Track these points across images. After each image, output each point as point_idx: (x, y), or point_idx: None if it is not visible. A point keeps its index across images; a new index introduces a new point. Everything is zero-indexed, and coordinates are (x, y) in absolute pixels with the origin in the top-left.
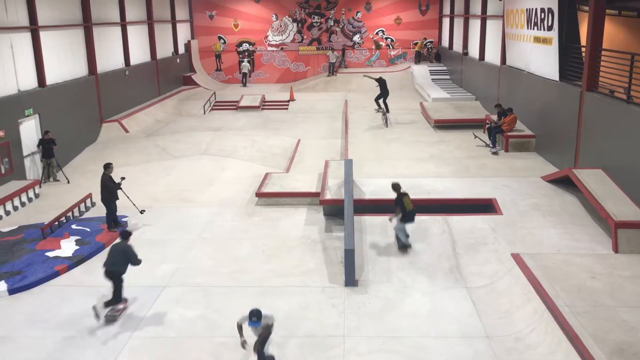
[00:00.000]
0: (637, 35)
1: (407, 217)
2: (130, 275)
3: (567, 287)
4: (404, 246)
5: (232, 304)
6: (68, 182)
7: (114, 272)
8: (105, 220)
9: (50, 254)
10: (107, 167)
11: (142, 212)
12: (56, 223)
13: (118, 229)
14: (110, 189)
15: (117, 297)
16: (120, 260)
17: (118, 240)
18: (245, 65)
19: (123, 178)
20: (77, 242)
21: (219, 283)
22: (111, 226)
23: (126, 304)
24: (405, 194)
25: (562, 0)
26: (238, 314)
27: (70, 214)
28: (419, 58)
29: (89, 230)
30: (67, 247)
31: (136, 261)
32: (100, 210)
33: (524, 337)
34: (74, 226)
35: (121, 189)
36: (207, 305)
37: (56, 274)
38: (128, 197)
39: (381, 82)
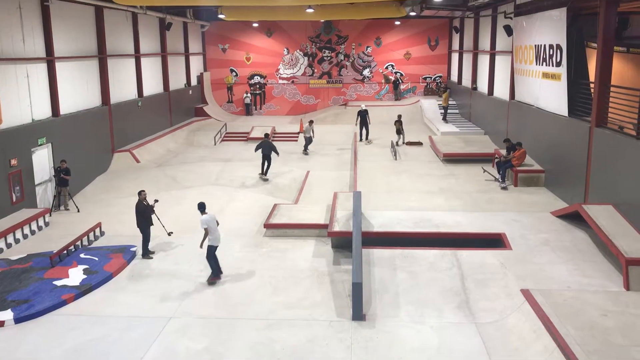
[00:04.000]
0: None
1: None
2: (136, 305)
3: (578, 324)
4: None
5: (238, 336)
6: (78, 211)
7: (266, 155)
8: (113, 249)
9: (58, 283)
10: (140, 193)
11: (169, 233)
12: (65, 252)
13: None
14: (144, 215)
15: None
16: (268, 149)
17: (265, 139)
18: (247, 96)
19: (156, 200)
20: (85, 271)
21: (225, 315)
22: (146, 253)
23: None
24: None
25: (571, 36)
26: (244, 346)
27: (79, 242)
28: (445, 115)
29: (97, 259)
30: (75, 276)
31: (277, 152)
32: (108, 240)
33: None
34: (82, 255)
35: (154, 212)
36: (213, 338)
37: (63, 303)
38: (159, 219)
39: (362, 114)
